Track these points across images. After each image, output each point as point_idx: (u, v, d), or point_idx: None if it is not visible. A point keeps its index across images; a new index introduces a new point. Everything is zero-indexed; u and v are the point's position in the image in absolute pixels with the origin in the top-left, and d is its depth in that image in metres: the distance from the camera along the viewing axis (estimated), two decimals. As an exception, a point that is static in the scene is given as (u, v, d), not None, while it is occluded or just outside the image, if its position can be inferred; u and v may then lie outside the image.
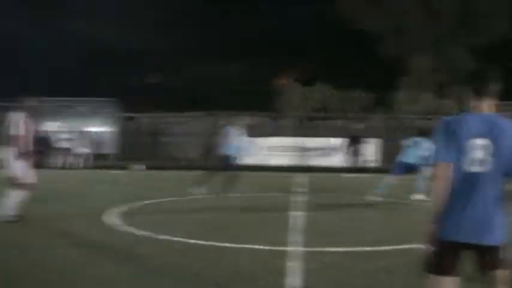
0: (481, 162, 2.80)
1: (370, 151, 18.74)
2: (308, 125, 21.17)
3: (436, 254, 2.94)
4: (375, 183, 10.75)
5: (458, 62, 21.06)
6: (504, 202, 2.90)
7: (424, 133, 11.05)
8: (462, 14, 21.51)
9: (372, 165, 18.47)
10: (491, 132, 2.81)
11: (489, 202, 2.88)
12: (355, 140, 18.24)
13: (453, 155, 2.83)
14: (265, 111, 21.43)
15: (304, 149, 19.00)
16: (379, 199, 10.20)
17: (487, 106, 2.87)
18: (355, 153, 18.20)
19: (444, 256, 2.95)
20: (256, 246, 5.56)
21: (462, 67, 20.31)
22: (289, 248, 5.65)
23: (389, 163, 13.69)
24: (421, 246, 2.77)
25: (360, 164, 18.23)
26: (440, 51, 21.87)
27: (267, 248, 5.50)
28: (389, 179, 10.83)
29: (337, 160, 18.72)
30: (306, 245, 5.88)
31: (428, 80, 21.79)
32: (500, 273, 2.94)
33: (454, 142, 2.84)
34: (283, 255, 5.36)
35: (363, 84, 24.09)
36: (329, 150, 19.18)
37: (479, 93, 2.86)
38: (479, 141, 2.80)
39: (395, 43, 22.34)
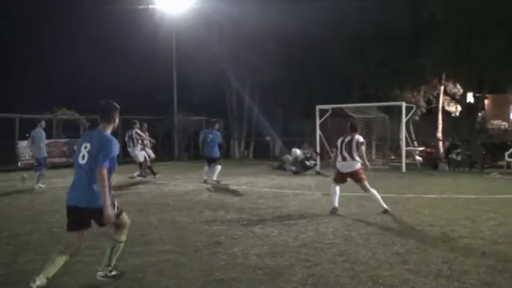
0: (83, 157, 5.00)
1: None
2: None
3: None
4: None
5: None
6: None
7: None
8: None
9: None
10: (92, 140, 5.00)
11: (85, 180, 4.97)
12: None
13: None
14: None
15: None
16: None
17: (106, 127, 5.16)
18: None
19: (68, 217, 5.10)
20: None
21: None
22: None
23: None
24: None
25: None
26: None
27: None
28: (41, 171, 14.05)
29: None
30: None
31: None
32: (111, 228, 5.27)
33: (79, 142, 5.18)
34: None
35: None
36: None
37: (103, 120, 5.20)
38: (85, 145, 5.04)
39: None
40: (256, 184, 14.71)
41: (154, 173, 16.57)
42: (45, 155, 14.46)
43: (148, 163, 16.51)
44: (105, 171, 4.89)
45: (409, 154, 22.33)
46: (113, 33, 30.06)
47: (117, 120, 5.33)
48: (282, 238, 7.41)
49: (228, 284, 5.34)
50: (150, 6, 26.80)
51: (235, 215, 9.36)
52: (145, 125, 17.10)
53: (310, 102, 23.91)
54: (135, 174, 16.34)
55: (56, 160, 23.53)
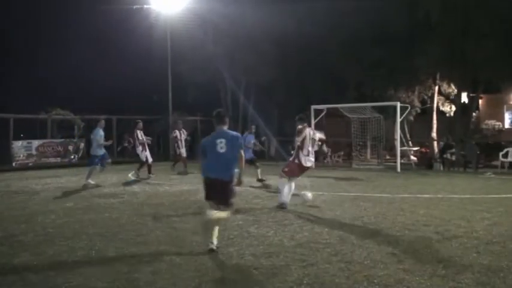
0: (222, 149, 6.79)
1: None
2: None
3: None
4: None
5: None
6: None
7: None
8: None
9: None
10: (226, 136, 6.87)
11: (225, 162, 6.77)
12: None
13: (207, 147, 6.92)
14: None
15: None
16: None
17: (224, 127, 7.00)
18: None
19: (208, 188, 6.92)
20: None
21: None
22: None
23: None
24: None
25: None
26: None
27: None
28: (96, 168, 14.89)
29: None
30: None
31: None
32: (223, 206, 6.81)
33: (211, 140, 6.93)
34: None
35: None
36: None
37: (220, 123, 7.01)
38: (220, 140, 6.83)
39: None
40: (252, 184, 14.70)
41: (150, 172, 16.92)
42: (98, 153, 14.94)
43: (150, 162, 16.87)
44: (242, 153, 6.99)
45: (404, 154, 22.38)
46: (108, 33, 30.04)
47: (228, 121, 7.26)
48: (278, 238, 7.42)
49: (223, 284, 5.34)
50: (145, 6, 26.77)
51: (230, 215, 9.35)
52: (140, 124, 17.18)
53: (306, 102, 23.94)
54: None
55: (51, 160, 23.50)
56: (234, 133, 7.16)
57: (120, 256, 6.44)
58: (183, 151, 18.83)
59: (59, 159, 23.82)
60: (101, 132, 15.00)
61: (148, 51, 28.15)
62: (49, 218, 9.26)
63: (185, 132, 19.09)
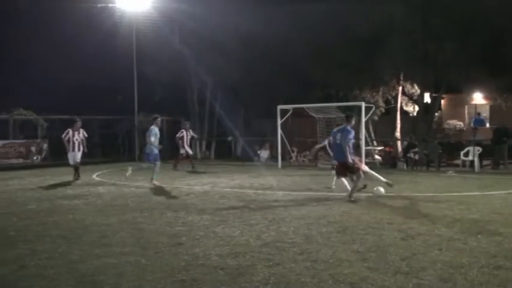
0: (338, 140, 11.19)
1: None
2: None
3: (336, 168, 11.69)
4: None
5: None
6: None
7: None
8: None
9: None
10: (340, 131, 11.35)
11: (340, 149, 11.13)
12: None
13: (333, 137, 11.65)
14: None
15: None
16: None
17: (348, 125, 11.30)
18: None
19: (338, 168, 11.51)
20: None
21: None
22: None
23: None
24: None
25: None
26: None
27: None
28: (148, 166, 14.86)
29: None
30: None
31: None
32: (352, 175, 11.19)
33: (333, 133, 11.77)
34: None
35: None
36: None
37: (348, 121, 11.38)
38: (338, 133, 11.32)
39: None
40: (218, 184, 14.69)
41: (78, 175, 16.59)
42: (148, 151, 14.87)
43: (77, 164, 16.55)
44: (349, 144, 10.97)
45: (369, 153, 22.66)
46: (72, 32, 29.45)
47: (353, 121, 11.49)
48: (244, 238, 7.43)
49: (189, 285, 5.32)
50: (110, 5, 26.41)
51: (196, 216, 9.34)
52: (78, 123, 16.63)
53: (272, 102, 24.02)
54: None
55: (13, 161, 22.98)
56: (347, 128, 11.04)
57: (84, 258, 6.35)
58: (188, 150, 19.84)
59: (21, 160, 23.30)
60: (155, 131, 14.72)
61: (113, 51, 27.73)
62: (10, 221, 9.07)
63: (191, 133, 20.08)
